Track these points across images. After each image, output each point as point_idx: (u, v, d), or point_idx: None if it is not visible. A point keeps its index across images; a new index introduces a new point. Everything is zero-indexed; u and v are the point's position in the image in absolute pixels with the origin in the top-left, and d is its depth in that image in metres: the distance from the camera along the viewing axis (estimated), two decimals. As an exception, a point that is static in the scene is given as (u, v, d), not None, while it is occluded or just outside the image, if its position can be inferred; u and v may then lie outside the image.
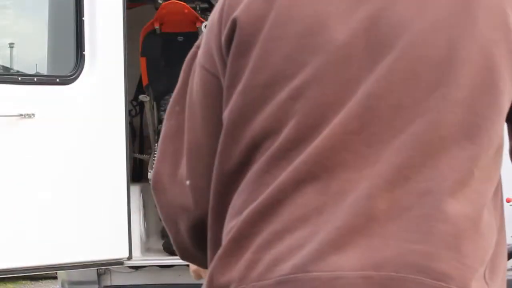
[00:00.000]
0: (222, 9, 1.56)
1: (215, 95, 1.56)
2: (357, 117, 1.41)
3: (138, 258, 5.39)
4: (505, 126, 1.54)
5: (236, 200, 1.48)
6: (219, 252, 1.46)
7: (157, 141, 5.63)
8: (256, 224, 1.43)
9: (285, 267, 1.38)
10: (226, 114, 1.51)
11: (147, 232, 5.81)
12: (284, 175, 1.42)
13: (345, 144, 1.41)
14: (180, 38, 5.94)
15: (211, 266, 1.48)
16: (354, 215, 1.38)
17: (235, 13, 1.51)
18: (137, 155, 6.58)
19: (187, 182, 1.60)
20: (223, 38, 1.53)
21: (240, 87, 1.49)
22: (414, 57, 1.41)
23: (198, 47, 1.63)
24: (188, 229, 1.64)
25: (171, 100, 1.71)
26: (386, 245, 1.37)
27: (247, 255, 1.42)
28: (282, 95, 1.45)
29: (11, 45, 5.47)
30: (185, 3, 5.74)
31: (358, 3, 1.44)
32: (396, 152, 1.40)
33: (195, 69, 1.61)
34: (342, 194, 1.40)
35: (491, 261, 1.43)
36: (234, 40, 1.51)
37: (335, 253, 1.37)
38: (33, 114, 4.73)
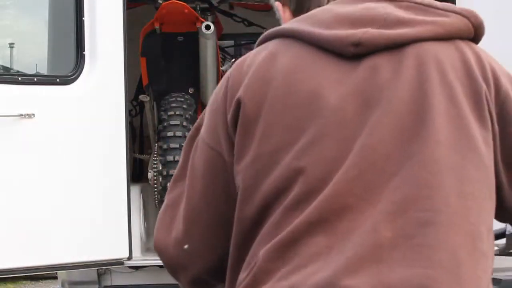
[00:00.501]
0: (225, 91, 1.79)
1: (216, 169, 1.78)
2: (356, 167, 1.64)
3: (138, 258, 5.38)
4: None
5: (254, 250, 1.69)
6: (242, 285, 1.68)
7: (157, 141, 5.65)
8: (273, 261, 1.65)
9: None
10: (238, 182, 1.74)
11: (147, 232, 5.81)
12: (297, 220, 1.64)
13: (349, 191, 1.64)
14: (180, 38, 5.94)
15: None
16: (362, 246, 1.59)
17: (238, 94, 1.74)
18: (137, 155, 6.58)
19: (185, 247, 1.85)
20: (229, 117, 1.75)
21: (249, 157, 1.72)
22: (396, 111, 1.68)
23: (198, 129, 1.85)
24: (188, 283, 1.93)
25: (174, 175, 1.91)
26: (393, 270, 1.57)
27: (268, 285, 1.63)
28: (288, 158, 1.68)
29: (11, 45, 5.47)
30: (185, 3, 5.73)
31: (345, 75, 1.71)
32: (393, 192, 1.63)
33: (197, 145, 1.83)
34: (349, 232, 1.61)
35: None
36: (239, 117, 1.73)
37: (348, 277, 1.56)
38: (33, 114, 4.73)
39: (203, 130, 1.83)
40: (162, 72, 5.99)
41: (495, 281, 5.36)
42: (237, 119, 1.74)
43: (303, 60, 1.75)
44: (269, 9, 7.96)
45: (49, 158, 4.81)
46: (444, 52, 1.76)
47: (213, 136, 1.79)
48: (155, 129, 6.02)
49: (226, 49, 7.68)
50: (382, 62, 1.72)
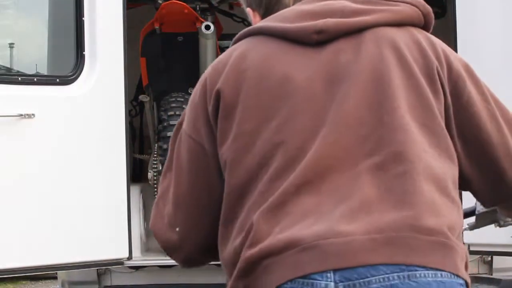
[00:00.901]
0: (204, 86, 2.03)
1: (198, 157, 2.03)
2: (332, 133, 1.89)
3: (138, 258, 5.39)
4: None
5: (244, 218, 1.90)
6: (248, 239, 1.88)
7: (157, 141, 5.65)
8: (268, 222, 1.86)
9: (306, 238, 1.80)
10: (223, 162, 1.97)
11: (147, 232, 5.81)
12: (284, 184, 1.86)
13: (329, 154, 1.88)
14: (180, 38, 5.94)
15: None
16: (350, 201, 1.83)
17: (217, 86, 1.99)
18: (137, 155, 6.58)
19: (177, 229, 2.08)
20: (210, 108, 2.00)
21: (231, 137, 1.95)
22: (360, 84, 1.93)
23: (181, 124, 2.09)
24: (182, 262, 2.18)
25: (163, 167, 2.17)
26: (383, 216, 1.82)
27: (266, 242, 1.85)
28: (266, 134, 1.92)
29: (11, 45, 5.46)
30: (185, 3, 5.73)
31: (311, 59, 1.97)
32: (369, 152, 1.88)
33: (181, 138, 2.07)
34: (335, 190, 1.85)
35: (457, 230, 1.90)
36: (220, 106, 1.98)
37: (344, 225, 1.80)
38: (33, 114, 4.73)
39: (185, 124, 2.06)
40: (162, 72, 5.99)
41: (495, 281, 5.35)
42: (217, 108, 1.98)
43: (273, 50, 2.01)
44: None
45: (49, 158, 4.81)
46: (398, 34, 2.00)
47: (194, 128, 2.03)
48: (155, 129, 6.02)
49: (226, 49, 7.68)
50: (343, 46, 1.98)
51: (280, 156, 1.89)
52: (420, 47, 2.00)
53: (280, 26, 2.02)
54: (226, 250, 1.93)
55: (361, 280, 1.78)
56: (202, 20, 5.83)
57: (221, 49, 6.32)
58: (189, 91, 5.85)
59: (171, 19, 5.82)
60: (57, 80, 4.94)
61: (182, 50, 5.94)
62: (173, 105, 5.59)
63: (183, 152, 2.07)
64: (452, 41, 5.31)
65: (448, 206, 1.88)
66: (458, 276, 1.83)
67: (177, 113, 5.53)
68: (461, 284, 1.84)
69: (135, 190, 5.63)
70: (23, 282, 12.06)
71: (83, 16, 4.98)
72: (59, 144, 4.85)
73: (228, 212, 1.95)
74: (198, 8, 6.10)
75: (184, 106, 5.60)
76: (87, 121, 4.95)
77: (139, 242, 5.53)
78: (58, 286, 6.45)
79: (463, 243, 1.92)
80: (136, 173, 6.46)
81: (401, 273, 1.78)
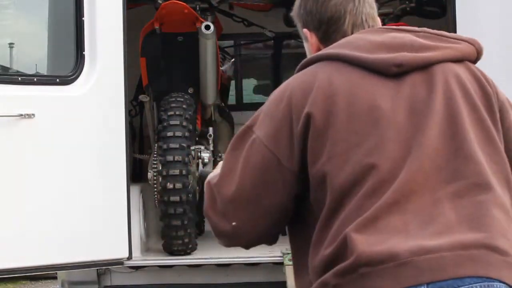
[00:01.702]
0: (289, 105, 2.21)
1: (270, 168, 2.20)
2: (416, 161, 2.14)
3: (138, 258, 5.39)
4: None
5: (336, 231, 2.13)
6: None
7: (157, 141, 5.65)
8: (364, 234, 2.09)
9: (402, 254, 2.06)
10: (318, 175, 2.17)
11: (147, 232, 5.81)
12: (378, 203, 2.11)
13: (413, 180, 2.13)
14: (180, 38, 5.93)
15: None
16: (434, 222, 2.11)
17: (306, 109, 2.18)
18: (137, 155, 6.57)
19: (233, 223, 2.27)
20: (297, 129, 2.18)
21: (323, 158, 2.15)
22: (436, 117, 2.20)
23: (251, 128, 2.26)
24: (244, 247, 2.37)
25: (226, 160, 2.31)
26: (465, 235, 2.09)
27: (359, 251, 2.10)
28: (358, 156, 2.14)
29: (11, 45, 5.46)
30: (185, 3, 5.73)
31: (393, 90, 2.20)
32: (445, 182, 2.16)
33: (254, 144, 2.24)
34: (418, 212, 2.11)
35: None
36: (310, 128, 2.17)
37: (431, 242, 2.07)
38: (33, 114, 4.73)
39: (260, 132, 2.24)
40: (162, 72, 5.98)
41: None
42: (307, 130, 2.18)
43: (356, 78, 2.21)
44: (269, 9, 7.97)
45: (49, 158, 4.81)
46: (460, 69, 2.28)
47: (274, 140, 2.21)
48: (155, 129, 6.01)
49: (226, 49, 7.68)
50: (418, 79, 2.23)
51: (372, 178, 2.13)
52: (478, 80, 2.31)
53: (360, 55, 2.22)
54: (318, 257, 2.15)
55: None
56: (202, 20, 5.82)
57: (221, 49, 6.33)
58: (188, 91, 5.85)
59: (171, 19, 5.82)
60: (57, 80, 4.95)
61: (182, 50, 5.94)
62: (173, 105, 5.59)
63: (254, 158, 2.24)
64: (452, 41, 5.32)
65: (511, 229, 2.18)
66: None
67: (177, 113, 5.52)
68: None
69: (135, 190, 5.63)
70: (23, 282, 12.05)
71: (83, 16, 4.98)
72: (59, 144, 4.85)
73: (324, 222, 2.17)
74: (198, 8, 6.09)
75: (184, 106, 5.59)
76: (87, 121, 4.96)
77: (139, 242, 5.53)
78: (58, 286, 6.45)
79: None
80: (136, 173, 6.46)
81: (482, 283, 2.07)
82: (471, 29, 5.15)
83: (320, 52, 2.29)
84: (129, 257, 5.16)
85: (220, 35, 6.44)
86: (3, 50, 5.42)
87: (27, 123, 4.72)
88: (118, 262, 5.17)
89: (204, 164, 5.64)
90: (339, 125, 2.16)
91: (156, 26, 5.89)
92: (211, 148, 5.76)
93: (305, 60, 2.32)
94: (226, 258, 5.38)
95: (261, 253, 5.29)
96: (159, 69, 6.00)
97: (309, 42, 2.42)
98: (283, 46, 8.46)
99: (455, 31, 5.18)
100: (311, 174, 2.18)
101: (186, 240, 5.48)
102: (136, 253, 5.35)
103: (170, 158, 5.39)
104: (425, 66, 2.24)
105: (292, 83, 2.26)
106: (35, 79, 4.91)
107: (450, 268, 2.06)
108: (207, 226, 7.04)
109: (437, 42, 2.29)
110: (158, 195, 5.54)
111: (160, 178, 5.46)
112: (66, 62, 5.06)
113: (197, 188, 5.82)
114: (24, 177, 4.74)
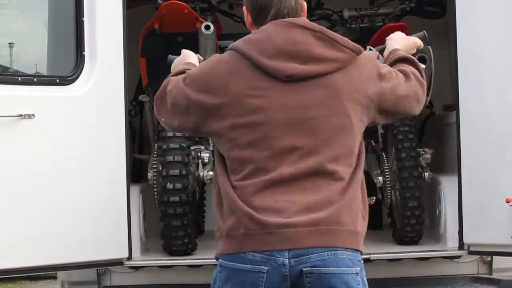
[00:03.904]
0: (193, 84, 3.06)
1: (180, 104, 3.05)
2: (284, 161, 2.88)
3: (138, 259, 5.38)
4: None
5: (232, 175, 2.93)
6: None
7: (157, 141, 5.64)
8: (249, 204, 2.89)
9: (270, 225, 2.80)
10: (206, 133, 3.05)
11: (147, 232, 5.81)
12: (257, 186, 2.86)
13: (281, 171, 2.86)
14: (180, 38, 5.93)
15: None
16: (296, 204, 2.83)
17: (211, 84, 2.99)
18: (137, 155, 6.57)
19: (162, 119, 3.18)
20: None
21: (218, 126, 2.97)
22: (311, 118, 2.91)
23: (185, 79, 3.07)
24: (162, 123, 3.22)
25: (169, 81, 3.24)
26: (315, 214, 2.81)
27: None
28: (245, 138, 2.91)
29: (11, 45, 5.46)
30: (185, 3, 5.73)
31: (282, 92, 2.90)
32: (306, 171, 2.88)
33: (182, 85, 3.05)
34: (286, 193, 2.86)
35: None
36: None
37: (294, 219, 2.79)
38: (33, 115, 4.73)
39: (188, 87, 3.02)
40: (161, 72, 5.96)
41: (495, 281, 5.35)
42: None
43: (255, 76, 2.89)
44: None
45: (48, 158, 4.81)
46: (340, 78, 2.90)
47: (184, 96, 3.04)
48: (154, 129, 6.01)
49: (226, 49, 7.66)
50: (303, 87, 2.88)
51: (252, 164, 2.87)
52: (353, 82, 2.93)
53: (261, 61, 2.88)
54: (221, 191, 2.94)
55: (305, 257, 2.79)
56: (202, 20, 5.82)
57: (221, 49, 6.31)
58: (189, 91, 5.83)
59: (171, 19, 5.82)
60: (57, 80, 4.94)
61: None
62: (173, 105, 5.57)
63: (178, 97, 3.06)
64: (452, 41, 5.31)
65: (354, 202, 2.98)
66: None
67: (177, 113, 5.51)
68: None
69: (135, 190, 5.63)
70: (23, 282, 12.05)
71: (83, 16, 4.98)
72: (59, 144, 4.85)
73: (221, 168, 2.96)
74: (198, 8, 6.09)
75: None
76: (86, 121, 4.95)
77: (139, 242, 5.52)
78: (57, 286, 6.45)
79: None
80: (136, 173, 6.46)
81: (329, 252, 2.81)
82: (471, 29, 5.15)
83: (238, 44, 2.97)
84: (129, 257, 5.16)
85: (220, 35, 6.43)
86: (3, 50, 5.42)
87: (27, 123, 4.72)
88: (118, 262, 5.17)
89: (204, 164, 5.64)
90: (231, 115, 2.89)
91: (156, 26, 5.89)
92: (211, 148, 5.75)
93: (231, 45, 3.01)
94: (226, 258, 5.37)
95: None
96: (159, 69, 5.99)
97: (246, 18, 3.10)
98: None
99: (455, 31, 5.18)
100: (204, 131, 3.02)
101: (186, 240, 5.48)
102: (136, 253, 5.35)
103: (170, 158, 5.39)
104: (311, 77, 2.86)
105: (210, 62, 3.02)
106: (35, 79, 4.90)
107: (304, 240, 2.78)
108: (207, 226, 7.06)
109: (328, 49, 2.88)
110: (158, 196, 5.53)
111: (160, 178, 5.46)
112: (66, 62, 5.05)
113: (197, 188, 5.82)
114: (24, 178, 4.73)
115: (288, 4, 2.95)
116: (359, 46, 2.94)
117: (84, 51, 4.98)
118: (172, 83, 3.10)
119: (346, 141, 2.88)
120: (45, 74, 5.19)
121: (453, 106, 5.54)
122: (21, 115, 4.71)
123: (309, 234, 2.77)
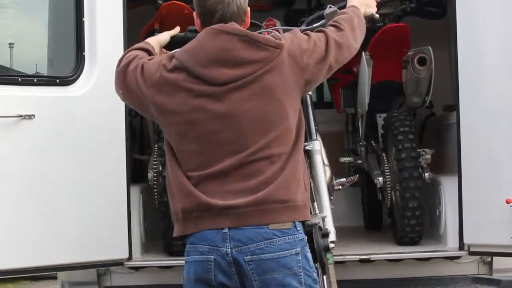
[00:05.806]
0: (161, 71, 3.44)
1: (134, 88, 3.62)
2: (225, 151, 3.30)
3: (138, 259, 5.39)
4: None
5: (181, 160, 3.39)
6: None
7: (157, 142, 5.64)
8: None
9: (216, 207, 3.25)
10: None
11: (147, 233, 5.81)
12: (207, 170, 3.30)
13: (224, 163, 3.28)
14: (179, 39, 5.92)
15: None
16: (240, 188, 3.27)
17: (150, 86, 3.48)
18: (137, 156, 6.57)
19: (120, 91, 3.79)
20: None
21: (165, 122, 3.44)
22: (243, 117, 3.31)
23: (142, 65, 3.56)
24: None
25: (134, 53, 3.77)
26: (257, 195, 3.22)
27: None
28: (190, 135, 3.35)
29: (11, 45, 5.46)
30: (185, 4, 5.73)
31: (215, 95, 3.28)
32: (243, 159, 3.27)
33: (140, 62, 3.58)
34: (232, 178, 3.27)
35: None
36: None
37: (235, 199, 3.22)
38: (33, 115, 4.73)
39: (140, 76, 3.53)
40: (162, 72, 5.97)
41: (495, 281, 5.35)
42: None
43: (193, 83, 3.29)
44: (269, 9, 7.96)
45: (49, 159, 4.81)
46: (271, 74, 3.27)
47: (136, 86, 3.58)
48: (155, 130, 6.01)
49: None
50: (240, 87, 3.24)
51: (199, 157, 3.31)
52: (280, 74, 3.30)
53: (197, 69, 3.28)
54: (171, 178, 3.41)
55: (245, 247, 3.18)
56: (202, 20, 5.81)
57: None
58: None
59: (171, 19, 5.80)
60: (57, 80, 4.94)
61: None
62: (173, 105, 5.57)
63: (134, 70, 3.61)
64: (452, 41, 5.31)
65: (293, 178, 3.37)
66: None
67: (177, 113, 5.51)
68: None
69: (135, 190, 5.63)
70: (23, 282, 12.06)
71: (83, 17, 4.98)
72: (59, 145, 4.85)
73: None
74: (198, 9, 6.07)
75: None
76: (87, 121, 4.95)
77: (139, 242, 5.53)
78: (58, 286, 6.45)
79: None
80: (136, 173, 6.45)
81: (262, 229, 3.21)
82: (471, 29, 5.15)
83: (178, 54, 3.36)
84: (129, 258, 5.16)
85: (220, 36, 6.41)
86: (3, 50, 5.42)
87: (27, 124, 4.72)
88: (118, 263, 5.17)
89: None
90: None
91: (156, 27, 5.89)
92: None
93: (175, 53, 3.39)
94: (226, 258, 5.37)
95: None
96: (159, 69, 5.98)
97: (196, 22, 3.50)
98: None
99: (455, 31, 5.18)
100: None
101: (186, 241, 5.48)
102: (136, 253, 5.35)
103: (170, 158, 5.38)
104: (243, 78, 3.24)
105: (154, 62, 3.46)
106: (35, 80, 4.91)
107: (247, 219, 3.20)
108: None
109: (254, 51, 3.26)
110: (158, 196, 5.53)
111: (160, 179, 5.46)
112: (66, 63, 5.05)
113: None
114: (24, 178, 4.74)
115: (231, 9, 3.36)
116: (280, 42, 3.31)
117: (84, 52, 4.98)
118: (133, 64, 3.61)
119: (281, 125, 3.26)
120: (45, 74, 5.19)
121: (453, 107, 5.54)
122: (21, 116, 4.71)
123: (249, 213, 3.19)
